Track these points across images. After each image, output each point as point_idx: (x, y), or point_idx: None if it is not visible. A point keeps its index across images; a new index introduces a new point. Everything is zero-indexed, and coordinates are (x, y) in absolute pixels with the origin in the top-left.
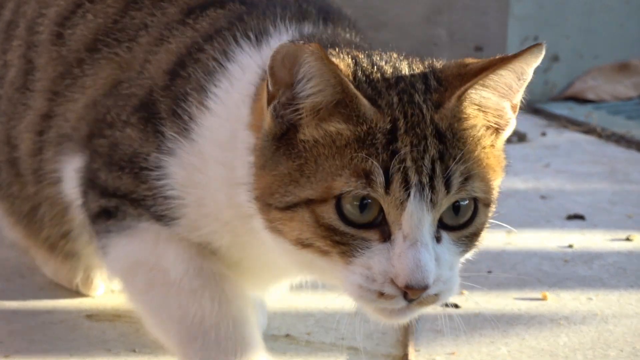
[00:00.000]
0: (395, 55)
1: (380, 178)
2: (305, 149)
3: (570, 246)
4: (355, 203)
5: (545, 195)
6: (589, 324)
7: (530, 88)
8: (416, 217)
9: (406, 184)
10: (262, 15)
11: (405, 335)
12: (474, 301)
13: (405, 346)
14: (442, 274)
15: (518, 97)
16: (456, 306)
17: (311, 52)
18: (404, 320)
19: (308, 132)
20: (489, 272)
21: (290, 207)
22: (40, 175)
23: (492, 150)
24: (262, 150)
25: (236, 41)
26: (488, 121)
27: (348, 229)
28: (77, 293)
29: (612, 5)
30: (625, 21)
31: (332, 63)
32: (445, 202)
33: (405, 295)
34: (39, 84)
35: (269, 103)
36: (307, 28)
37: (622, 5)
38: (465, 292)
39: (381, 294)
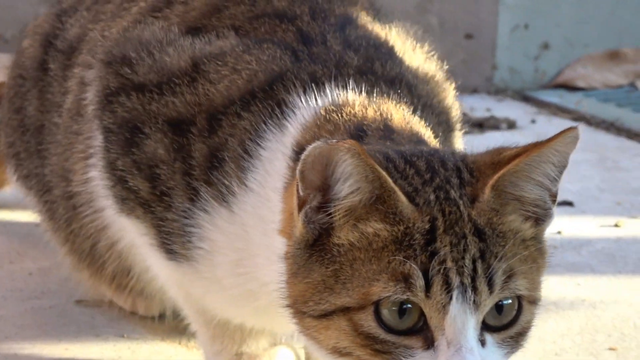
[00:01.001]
0: (426, 148)
1: (420, 281)
2: (340, 253)
3: (559, 232)
4: (394, 309)
5: None
6: (578, 310)
7: (520, 76)
8: (459, 321)
9: (447, 286)
10: (291, 81)
11: None
12: None
13: None
14: None
15: (556, 186)
16: None
17: (347, 150)
18: None
19: (343, 235)
20: None
21: (325, 315)
22: (92, 203)
23: (534, 243)
24: (294, 258)
25: (264, 122)
26: (526, 211)
27: (389, 336)
28: (66, 279)
29: None
30: (615, 9)
31: (370, 157)
32: (488, 303)
33: None
34: (90, 110)
35: (299, 208)
36: (335, 96)
37: None
38: None
39: None
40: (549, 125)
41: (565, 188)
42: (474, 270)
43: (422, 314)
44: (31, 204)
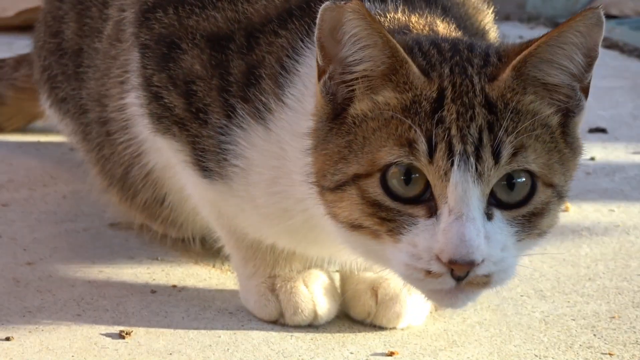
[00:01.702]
0: (460, 36)
1: (423, 147)
2: (355, 124)
3: (593, 159)
4: (400, 176)
5: None
6: (611, 235)
7: (552, 3)
8: (461, 189)
9: (450, 153)
10: None
11: None
12: None
13: None
14: (492, 253)
15: (587, 77)
16: None
17: (352, 10)
18: (458, 304)
19: (359, 107)
20: None
21: (339, 187)
22: (127, 130)
23: (560, 133)
24: (316, 132)
25: (301, 39)
26: (552, 99)
27: (394, 204)
28: (99, 202)
29: None
30: None
31: (376, 21)
32: (494, 174)
33: (452, 273)
34: (128, 32)
35: (319, 79)
36: (375, 9)
37: None
38: None
39: (428, 272)
40: None
41: (598, 115)
42: (480, 140)
43: (427, 184)
44: (65, 130)
